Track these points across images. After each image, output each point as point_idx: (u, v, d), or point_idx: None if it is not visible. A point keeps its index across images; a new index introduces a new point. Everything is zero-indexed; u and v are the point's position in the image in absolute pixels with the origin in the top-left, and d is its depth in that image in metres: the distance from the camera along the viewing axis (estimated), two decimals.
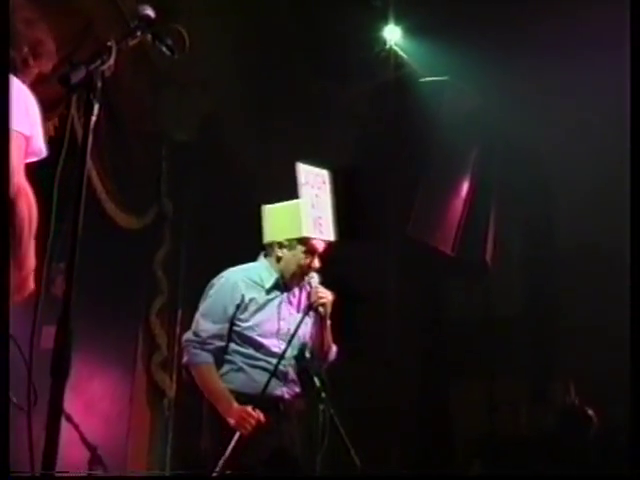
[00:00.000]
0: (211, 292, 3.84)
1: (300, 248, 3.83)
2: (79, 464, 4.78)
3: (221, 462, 3.49)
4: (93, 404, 5.64)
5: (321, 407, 4.01)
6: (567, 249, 7.63)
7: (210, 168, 6.44)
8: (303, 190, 3.79)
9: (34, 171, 2.73)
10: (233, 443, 3.52)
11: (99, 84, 2.08)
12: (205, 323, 3.75)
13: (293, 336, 3.75)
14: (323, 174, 3.91)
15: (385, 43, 7.03)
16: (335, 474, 4.28)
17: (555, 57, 6.49)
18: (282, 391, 3.80)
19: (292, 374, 3.84)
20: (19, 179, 2.53)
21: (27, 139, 2.58)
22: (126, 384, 6.09)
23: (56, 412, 1.74)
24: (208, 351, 3.73)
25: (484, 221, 7.24)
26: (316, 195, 3.87)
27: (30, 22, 2.83)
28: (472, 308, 7.75)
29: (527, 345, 7.63)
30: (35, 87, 4.65)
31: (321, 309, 3.76)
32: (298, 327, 3.75)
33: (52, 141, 4.84)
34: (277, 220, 3.89)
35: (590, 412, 6.35)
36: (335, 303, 3.84)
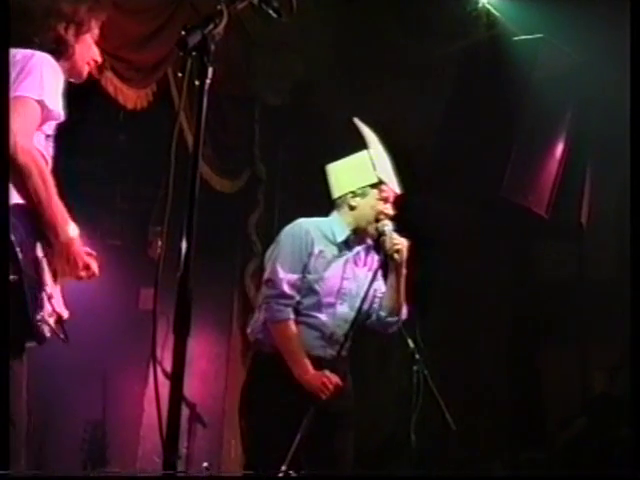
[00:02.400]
0: (284, 239, 3.71)
1: (374, 194, 3.73)
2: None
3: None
4: (191, 363, 5.78)
5: (415, 368, 4.00)
6: None
7: (303, 131, 6.46)
8: (369, 140, 3.75)
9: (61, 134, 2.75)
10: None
11: (212, 48, 2.09)
12: (282, 271, 3.60)
13: (364, 299, 3.62)
14: (377, 139, 3.85)
15: (477, 2, 6.88)
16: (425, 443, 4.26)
17: None
18: (325, 352, 3.69)
19: (339, 335, 3.68)
20: (27, 143, 2.51)
21: (39, 103, 2.57)
22: (222, 344, 6.22)
23: (179, 369, 1.79)
24: (290, 306, 3.62)
25: (579, 182, 7.06)
26: (379, 152, 3.81)
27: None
28: (566, 271, 7.61)
29: (622, 310, 7.46)
30: (132, 55, 4.74)
31: (396, 256, 3.61)
32: (370, 286, 3.62)
33: (150, 106, 4.96)
34: (346, 172, 3.81)
35: None
36: (411, 251, 3.69)
